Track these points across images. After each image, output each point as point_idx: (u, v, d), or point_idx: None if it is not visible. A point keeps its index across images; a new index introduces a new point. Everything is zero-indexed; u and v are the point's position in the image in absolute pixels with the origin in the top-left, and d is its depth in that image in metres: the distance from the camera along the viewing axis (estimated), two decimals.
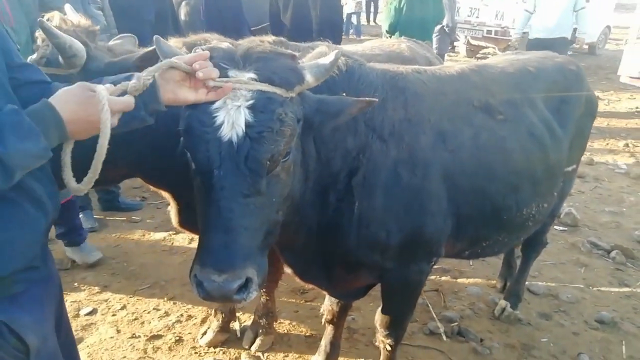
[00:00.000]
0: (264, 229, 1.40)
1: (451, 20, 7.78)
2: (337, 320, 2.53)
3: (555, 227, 4.63)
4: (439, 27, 7.57)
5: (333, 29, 4.99)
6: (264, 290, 2.80)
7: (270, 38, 2.58)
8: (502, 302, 3.28)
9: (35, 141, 1.08)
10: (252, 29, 5.27)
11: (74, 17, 2.14)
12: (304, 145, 1.59)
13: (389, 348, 2.32)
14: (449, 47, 11.08)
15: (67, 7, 2.20)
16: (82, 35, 2.03)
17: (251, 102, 1.31)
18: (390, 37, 6.49)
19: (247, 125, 1.30)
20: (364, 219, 1.80)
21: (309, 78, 1.43)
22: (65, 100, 1.14)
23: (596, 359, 2.95)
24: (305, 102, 1.47)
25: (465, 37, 12.12)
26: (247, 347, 2.85)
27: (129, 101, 1.19)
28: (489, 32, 11.42)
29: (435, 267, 3.75)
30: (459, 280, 3.71)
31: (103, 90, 1.15)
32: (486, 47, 12.32)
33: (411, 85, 1.88)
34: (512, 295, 3.27)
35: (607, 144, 7.02)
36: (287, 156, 1.42)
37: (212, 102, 1.31)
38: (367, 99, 1.53)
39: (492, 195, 2.07)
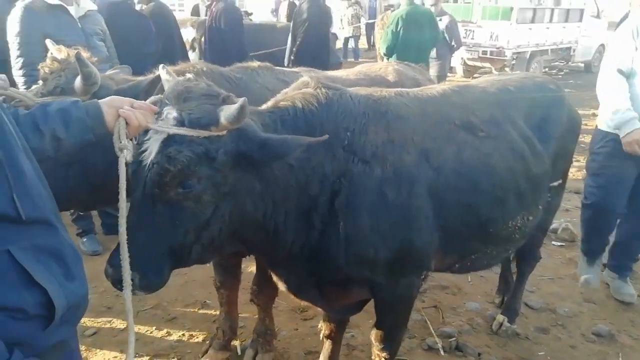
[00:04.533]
0: (161, 246, 1.59)
1: (460, 43, 7.99)
2: (335, 335, 2.59)
3: (553, 242, 4.69)
4: (445, 50, 7.77)
5: (321, 55, 5.30)
6: (260, 306, 2.86)
7: (256, 64, 2.78)
8: (500, 317, 3.33)
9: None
10: (251, 54, 5.51)
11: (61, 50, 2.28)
12: (262, 176, 1.71)
13: None
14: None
15: (48, 42, 2.34)
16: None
17: (164, 136, 1.52)
18: (388, 59, 6.68)
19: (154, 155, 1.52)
20: (351, 238, 1.89)
21: (223, 121, 1.54)
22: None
23: None
24: (242, 140, 1.60)
25: (462, 57, 12.35)
26: None
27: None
28: (484, 52, 11.66)
29: (433, 284, 3.87)
30: (458, 296, 3.76)
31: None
32: (482, 67, 12.53)
33: (393, 107, 1.98)
34: (509, 310, 3.32)
35: None
36: (188, 189, 1.56)
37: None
38: (315, 138, 1.67)
39: (478, 209, 2.16)
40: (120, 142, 1.44)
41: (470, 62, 12.41)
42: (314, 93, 1.87)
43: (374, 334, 2.35)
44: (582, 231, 3.80)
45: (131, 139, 1.52)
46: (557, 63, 14.33)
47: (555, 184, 2.72)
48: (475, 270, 2.68)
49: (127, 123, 1.46)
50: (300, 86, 1.89)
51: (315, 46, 5.16)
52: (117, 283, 1.54)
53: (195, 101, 1.56)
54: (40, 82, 2.27)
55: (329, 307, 2.36)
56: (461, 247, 2.26)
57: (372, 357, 2.51)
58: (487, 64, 11.97)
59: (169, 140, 1.51)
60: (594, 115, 9.56)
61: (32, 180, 1.16)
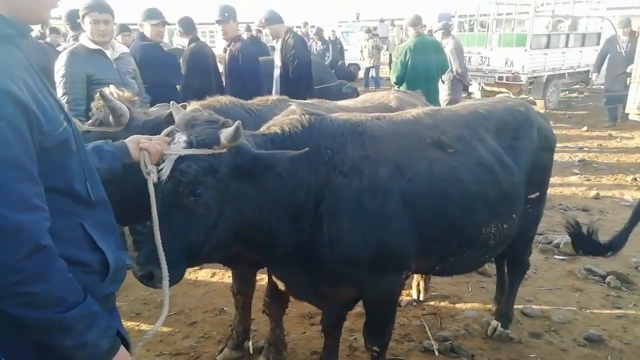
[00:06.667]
0: (178, 244, 1.89)
1: (460, 67, 8.29)
2: (333, 331, 2.88)
3: (555, 256, 4.87)
4: (450, 75, 8.11)
5: (307, 84, 5.79)
6: (272, 317, 3.10)
7: (275, 97, 3.19)
8: (494, 322, 3.55)
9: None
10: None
11: (118, 91, 2.77)
12: (258, 185, 2.06)
13: (375, 354, 2.67)
14: (464, 94, 11.64)
15: (112, 87, 2.82)
16: (125, 102, 2.66)
17: (176, 156, 1.89)
18: (399, 88, 7.09)
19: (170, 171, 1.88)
20: (333, 238, 2.22)
21: (223, 140, 1.90)
22: None
23: None
24: (238, 156, 1.96)
25: (479, 83, 12.65)
26: None
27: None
28: (500, 78, 11.95)
29: (435, 293, 4.13)
30: (457, 305, 4.00)
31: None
32: (500, 92, 12.78)
33: (369, 129, 2.33)
34: (502, 316, 3.54)
35: (616, 179, 7.21)
36: (198, 197, 1.90)
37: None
38: (297, 152, 2.02)
39: (450, 216, 2.46)
40: (147, 168, 1.83)
41: (487, 88, 12.69)
42: (299, 118, 2.25)
43: (364, 329, 2.66)
44: None
45: (155, 165, 1.90)
46: (577, 86, 14.43)
47: (533, 196, 3.00)
48: (457, 274, 2.95)
49: (149, 152, 1.86)
50: (288, 113, 2.29)
51: (306, 71, 5.68)
52: (143, 278, 1.89)
53: (200, 127, 1.96)
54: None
55: (322, 305, 2.68)
56: (439, 250, 2.56)
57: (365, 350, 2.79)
58: (504, 89, 12.22)
59: (181, 159, 1.90)
60: (611, 136, 9.72)
61: (96, 173, 1.57)
